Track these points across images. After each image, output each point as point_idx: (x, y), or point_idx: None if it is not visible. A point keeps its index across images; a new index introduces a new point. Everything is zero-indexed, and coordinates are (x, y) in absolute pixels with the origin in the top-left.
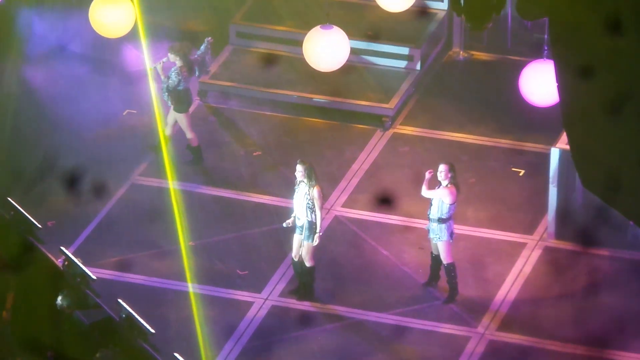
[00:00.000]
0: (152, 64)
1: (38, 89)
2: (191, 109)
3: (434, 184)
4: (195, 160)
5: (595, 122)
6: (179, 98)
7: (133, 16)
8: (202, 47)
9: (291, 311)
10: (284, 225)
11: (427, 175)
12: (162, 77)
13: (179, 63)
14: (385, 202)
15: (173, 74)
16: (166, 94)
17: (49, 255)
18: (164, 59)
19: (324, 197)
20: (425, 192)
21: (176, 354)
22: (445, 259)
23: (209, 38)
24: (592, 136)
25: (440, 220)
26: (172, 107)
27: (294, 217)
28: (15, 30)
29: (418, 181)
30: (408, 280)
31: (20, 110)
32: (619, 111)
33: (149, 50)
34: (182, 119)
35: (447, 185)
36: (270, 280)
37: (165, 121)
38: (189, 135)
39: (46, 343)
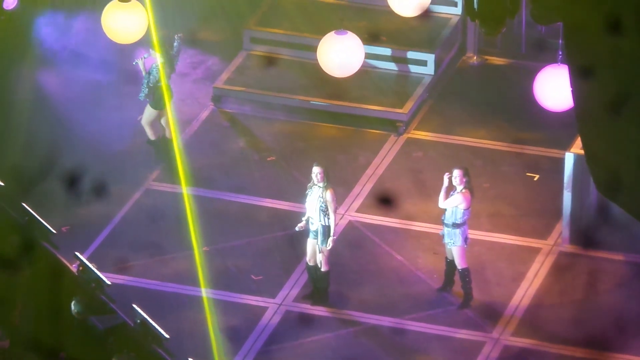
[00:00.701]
0: (134, 60)
1: (52, 95)
2: (205, 113)
3: (449, 190)
4: (157, 152)
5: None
6: (158, 94)
7: (145, 22)
8: (175, 45)
9: (305, 316)
10: (297, 228)
11: (446, 180)
12: (144, 72)
13: (160, 60)
14: (386, 202)
15: (155, 70)
16: (146, 89)
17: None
18: (146, 55)
19: (337, 200)
20: (443, 203)
21: (190, 359)
22: (459, 264)
23: (180, 34)
24: (598, 137)
25: (455, 225)
26: (148, 102)
27: (306, 220)
28: (29, 35)
29: (432, 186)
30: (422, 285)
31: (34, 116)
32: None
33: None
34: (151, 114)
35: (462, 191)
36: (285, 285)
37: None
38: (147, 129)
39: (48, 343)
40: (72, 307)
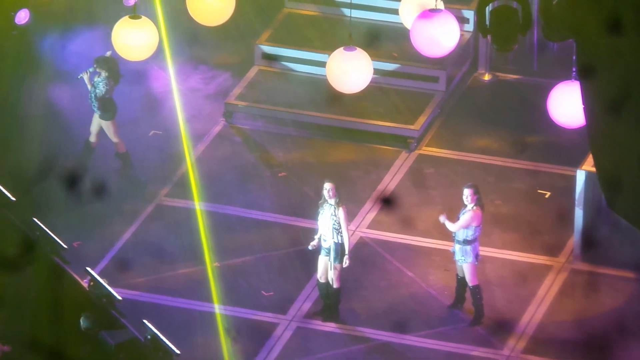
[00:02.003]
0: (79, 74)
1: (64, 110)
2: (216, 129)
3: (457, 210)
4: (125, 166)
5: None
6: (105, 106)
7: (156, 38)
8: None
9: (316, 332)
10: (309, 247)
11: (442, 219)
12: (89, 86)
13: (104, 74)
14: (386, 202)
15: (100, 83)
16: (95, 101)
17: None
18: (90, 69)
19: (349, 216)
20: (454, 226)
21: None
22: (470, 281)
23: (109, 52)
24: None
25: (466, 242)
26: (97, 114)
27: (319, 238)
28: (41, 50)
29: (443, 203)
30: (433, 302)
31: (46, 130)
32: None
33: (175, 71)
34: (109, 126)
35: (472, 208)
36: (296, 301)
37: (89, 130)
38: (115, 140)
39: (46, 343)
40: (81, 322)
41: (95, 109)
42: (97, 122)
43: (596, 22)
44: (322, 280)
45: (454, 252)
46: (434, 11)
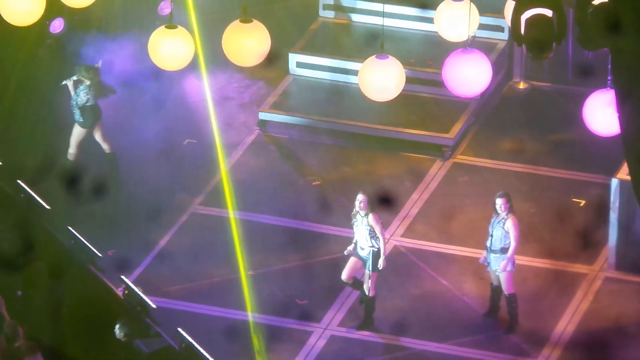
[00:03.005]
0: (62, 81)
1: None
2: (251, 137)
3: (483, 217)
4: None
5: None
6: (85, 114)
7: (192, 48)
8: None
9: (350, 341)
10: (345, 252)
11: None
12: (72, 93)
13: (86, 82)
14: (385, 201)
15: (82, 92)
16: (76, 109)
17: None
18: (74, 77)
19: (384, 225)
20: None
21: None
22: (507, 289)
23: (98, 63)
24: None
25: (503, 250)
26: (77, 122)
27: (355, 243)
28: (76, 59)
29: (478, 211)
30: (468, 310)
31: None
32: None
33: (209, 80)
34: (78, 134)
35: (509, 216)
36: (330, 310)
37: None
38: (73, 149)
39: (46, 343)
40: (117, 330)
41: (76, 117)
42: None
43: (632, 30)
44: (343, 278)
45: (488, 263)
46: (466, 51)
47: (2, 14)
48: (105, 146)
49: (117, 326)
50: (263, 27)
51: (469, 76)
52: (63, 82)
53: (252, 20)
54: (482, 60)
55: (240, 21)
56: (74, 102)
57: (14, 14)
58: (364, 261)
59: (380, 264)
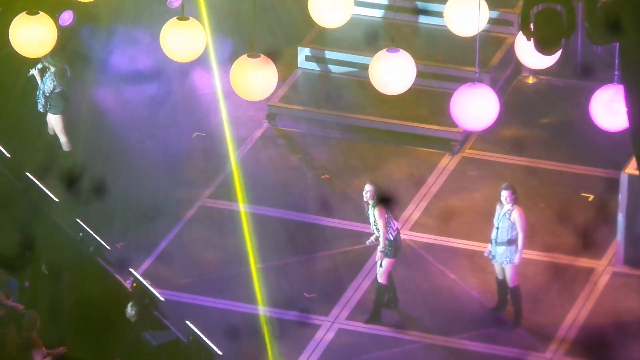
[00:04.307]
0: (28, 71)
1: (108, 112)
2: (260, 131)
3: (492, 212)
4: (62, 162)
5: None
6: (54, 100)
7: (204, 40)
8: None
9: (358, 334)
10: (367, 243)
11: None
12: (39, 82)
13: (52, 69)
14: (385, 201)
15: (48, 79)
16: (42, 98)
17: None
18: (39, 66)
19: (395, 218)
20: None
21: None
22: (511, 281)
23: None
24: None
25: (510, 242)
26: (48, 110)
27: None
28: (86, 51)
29: (486, 205)
30: (475, 304)
31: (91, 132)
32: None
33: (219, 73)
34: (58, 121)
35: (515, 207)
36: (338, 303)
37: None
38: (63, 139)
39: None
40: (128, 308)
41: (40, 106)
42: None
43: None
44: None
45: (493, 256)
46: (474, 85)
47: (13, 46)
48: (61, 139)
49: (130, 304)
50: (270, 62)
51: (476, 111)
52: (30, 73)
53: (260, 55)
54: (489, 94)
55: (248, 56)
56: (41, 92)
57: (25, 46)
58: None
59: (378, 256)
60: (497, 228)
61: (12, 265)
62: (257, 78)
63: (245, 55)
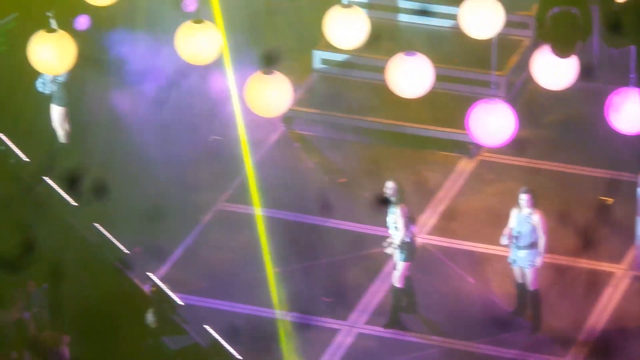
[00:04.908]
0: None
1: (125, 115)
2: (276, 134)
3: (506, 216)
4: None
5: None
6: (59, 91)
7: (219, 43)
8: None
9: (377, 339)
10: (384, 245)
11: (538, 262)
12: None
13: None
14: (384, 201)
15: None
16: (52, 88)
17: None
18: None
19: (412, 221)
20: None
21: None
22: (533, 284)
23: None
24: None
25: (533, 245)
26: (54, 101)
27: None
28: (103, 55)
29: (504, 209)
30: (495, 308)
31: (108, 136)
32: None
33: (235, 77)
34: (60, 113)
35: (535, 211)
36: (356, 308)
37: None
38: (61, 131)
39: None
40: (149, 315)
41: (40, 86)
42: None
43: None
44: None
45: (514, 261)
46: (490, 101)
47: (33, 64)
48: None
49: (150, 311)
50: (285, 78)
51: (494, 127)
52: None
53: (274, 72)
54: (506, 110)
55: (262, 72)
56: (44, 77)
57: (45, 64)
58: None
59: (392, 252)
60: (519, 232)
61: (27, 268)
62: (271, 95)
63: (259, 72)
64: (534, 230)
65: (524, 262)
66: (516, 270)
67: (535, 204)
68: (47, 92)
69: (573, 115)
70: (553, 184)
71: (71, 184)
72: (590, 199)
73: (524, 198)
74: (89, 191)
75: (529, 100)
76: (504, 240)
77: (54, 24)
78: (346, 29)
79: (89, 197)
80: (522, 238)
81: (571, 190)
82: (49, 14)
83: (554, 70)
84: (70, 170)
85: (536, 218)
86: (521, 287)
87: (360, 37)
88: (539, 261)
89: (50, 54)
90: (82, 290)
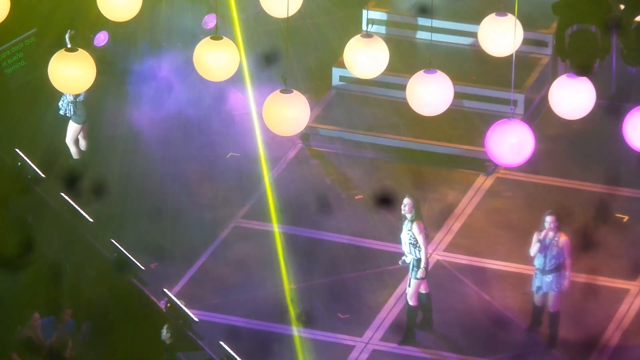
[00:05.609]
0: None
1: (143, 131)
2: (294, 151)
3: (527, 232)
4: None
5: None
6: (79, 109)
7: (237, 59)
8: None
9: (392, 356)
10: (400, 262)
11: (535, 238)
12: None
13: None
14: (385, 201)
15: None
16: (70, 106)
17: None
18: None
19: (428, 238)
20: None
21: None
22: (553, 306)
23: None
24: None
25: (559, 267)
26: (71, 117)
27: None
28: (121, 71)
29: (521, 226)
30: (510, 325)
31: (126, 152)
32: None
33: (253, 93)
34: (77, 130)
35: (560, 234)
36: (372, 324)
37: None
38: (74, 148)
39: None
40: (164, 331)
41: (62, 110)
42: (72, 125)
43: None
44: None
45: (539, 287)
46: (509, 120)
47: (53, 83)
48: (83, 144)
49: (165, 327)
50: (302, 97)
51: (511, 146)
52: None
53: (292, 91)
54: (524, 129)
55: (281, 92)
56: (64, 99)
57: (65, 84)
58: (408, 268)
59: (419, 273)
60: (545, 256)
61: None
62: (289, 114)
63: (278, 91)
64: (560, 252)
65: (550, 287)
66: (538, 296)
67: (560, 226)
68: (68, 115)
69: (590, 133)
70: (569, 201)
71: (87, 200)
72: (606, 216)
73: (548, 220)
74: (105, 206)
75: (545, 116)
76: (533, 250)
77: (68, 43)
78: (366, 59)
79: (105, 212)
80: (549, 262)
81: (586, 207)
82: (71, 32)
83: (571, 102)
84: (85, 186)
85: (562, 241)
86: (538, 308)
87: (380, 68)
88: (566, 284)
89: (71, 73)
90: (99, 307)
